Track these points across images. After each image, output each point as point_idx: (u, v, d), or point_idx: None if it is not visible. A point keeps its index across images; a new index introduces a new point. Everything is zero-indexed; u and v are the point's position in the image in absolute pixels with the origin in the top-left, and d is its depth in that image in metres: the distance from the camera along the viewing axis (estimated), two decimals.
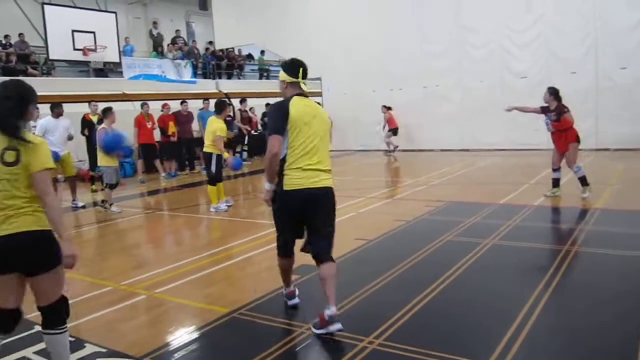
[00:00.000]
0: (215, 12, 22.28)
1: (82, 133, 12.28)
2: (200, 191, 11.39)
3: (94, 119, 12.19)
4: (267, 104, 17.01)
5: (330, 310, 3.71)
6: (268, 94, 19.01)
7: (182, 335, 3.98)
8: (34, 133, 9.89)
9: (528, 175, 10.88)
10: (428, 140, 17.63)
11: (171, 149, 14.59)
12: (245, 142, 17.06)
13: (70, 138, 10.24)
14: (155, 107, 14.35)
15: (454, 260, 5.40)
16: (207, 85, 19.19)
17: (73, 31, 15.43)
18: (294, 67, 3.99)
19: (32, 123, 10.87)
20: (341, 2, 19.07)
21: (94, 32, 15.92)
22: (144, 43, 22.71)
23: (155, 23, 21.84)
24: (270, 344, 3.71)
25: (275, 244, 4.14)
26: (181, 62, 19.00)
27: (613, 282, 4.72)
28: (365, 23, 18.29)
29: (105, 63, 16.89)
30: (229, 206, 9.04)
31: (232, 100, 17.12)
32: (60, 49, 15.33)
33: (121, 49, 17.45)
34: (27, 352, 3.74)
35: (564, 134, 8.21)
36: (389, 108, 16.95)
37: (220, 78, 20.67)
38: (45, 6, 15.25)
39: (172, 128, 14.30)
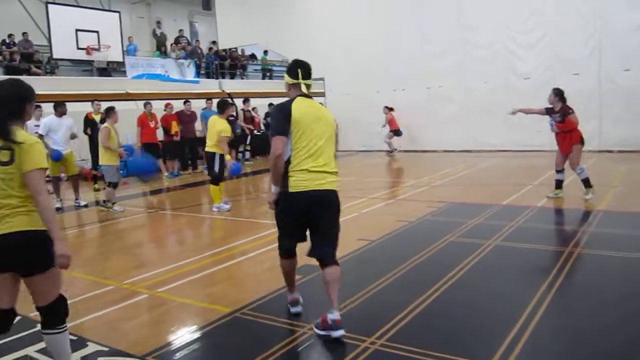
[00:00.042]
0: (218, 12, 22.30)
1: (85, 132, 12.29)
2: (203, 191, 11.38)
3: (97, 118, 12.20)
4: (270, 104, 16.99)
5: (334, 315, 3.69)
6: (271, 94, 18.99)
7: (184, 335, 3.98)
8: (36, 132, 10.03)
9: (531, 177, 10.86)
10: (430, 141, 17.62)
11: (174, 149, 14.60)
12: (248, 142, 17.07)
13: (73, 137, 10.26)
14: (158, 107, 14.36)
15: (456, 261, 5.40)
16: (210, 85, 19.20)
17: (77, 30, 15.45)
18: (293, 68, 3.97)
19: (35, 122, 10.92)
20: (344, 2, 19.09)
21: (97, 32, 15.94)
22: (147, 43, 22.73)
23: (158, 23, 21.85)
24: (272, 343, 3.71)
25: (276, 244, 4.12)
26: (184, 61, 19.01)
27: (616, 284, 4.71)
28: (369, 23, 18.30)
29: (108, 62, 16.91)
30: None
31: (235, 100, 17.13)
32: (63, 48, 15.36)
33: (124, 49, 17.46)
34: (29, 350, 3.74)
35: (568, 135, 8.19)
36: (391, 109, 16.95)
37: (223, 78, 20.67)
38: (49, 5, 15.27)
39: (175, 127, 14.31)
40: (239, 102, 17.11)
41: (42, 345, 3.78)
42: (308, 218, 3.81)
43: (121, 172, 9.42)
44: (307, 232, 3.95)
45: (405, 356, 3.45)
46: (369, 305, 4.38)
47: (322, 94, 19.38)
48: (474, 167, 13.34)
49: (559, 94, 8.26)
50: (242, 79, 22.27)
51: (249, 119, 17.08)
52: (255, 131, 17.35)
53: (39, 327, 4.08)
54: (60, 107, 10.05)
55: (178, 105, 14.94)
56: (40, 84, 14.17)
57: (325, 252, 3.82)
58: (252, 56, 24.08)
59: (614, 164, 12.62)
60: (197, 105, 15.61)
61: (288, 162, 3.77)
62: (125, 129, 13.67)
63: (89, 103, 12.79)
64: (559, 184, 8.53)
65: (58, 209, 9.71)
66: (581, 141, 8.22)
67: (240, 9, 21.46)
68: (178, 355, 3.66)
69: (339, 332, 3.68)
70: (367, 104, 18.08)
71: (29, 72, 15.57)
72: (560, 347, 3.54)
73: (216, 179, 8.84)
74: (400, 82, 18.05)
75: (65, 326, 3.18)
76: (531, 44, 15.68)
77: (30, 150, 2.92)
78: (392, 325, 3.91)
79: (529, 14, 15.60)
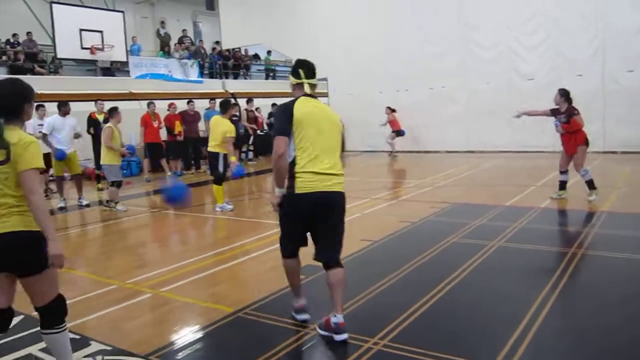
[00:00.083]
0: (222, 12, 22.36)
1: (88, 132, 12.32)
2: (206, 191, 11.38)
3: (100, 117, 12.23)
4: (273, 104, 17.03)
5: (337, 319, 3.68)
6: (274, 94, 19.03)
7: (187, 334, 3.98)
8: (40, 131, 10.06)
9: (534, 178, 10.85)
10: (434, 141, 17.62)
11: (177, 149, 14.62)
12: (251, 142, 17.09)
13: (78, 136, 10.28)
14: (161, 107, 14.38)
15: (459, 262, 5.39)
16: (214, 85, 19.21)
17: (81, 30, 15.49)
18: (296, 68, 3.94)
19: (38, 121, 10.95)
20: (348, 2, 19.10)
21: (101, 31, 15.98)
22: (151, 42, 22.77)
23: (162, 23, 21.89)
24: (275, 343, 3.71)
25: (276, 246, 4.09)
26: (188, 61, 19.03)
27: (620, 285, 4.69)
28: (372, 24, 18.30)
29: (112, 62, 16.93)
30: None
31: (238, 100, 17.14)
32: (67, 48, 15.39)
33: (128, 48, 17.50)
34: (33, 349, 3.75)
35: (573, 136, 8.16)
36: (393, 110, 16.94)
37: (226, 78, 20.68)
38: (53, 5, 15.31)
39: (178, 127, 14.33)
40: (242, 102, 17.12)
41: (44, 344, 3.80)
42: (314, 220, 3.74)
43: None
44: (309, 236, 3.90)
45: (408, 357, 3.44)
46: (372, 306, 4.37)
47: (326, 94, 19.39)
48: (477, 168, 13.32)
49: (564, 94, 8.22)
50: (246, 79, 22.27)
51: (252, 119, 17.10)
52: (258, 131, 17.36)
53: None
54: (64, 106, 10.09)
55: (181, 105, 14.96)
56: (44, 84, 14.30)
57: (330, 255, 3.77)
58: (256, 56, 24.09)
59: (618, 165, 12.59)
60: (201, 105, 15.62)
61: (293, 163, 3.70)
62: (129, 129, 13.69)
63: (93, 103, 12.82)
64: (562, 185, 8.51)
65: (61, 209, 9.75)
66: (586, 142, 8.19)
67: (243, 9, 21.51)
68: (181, 354, 3.66)
69: (343, 336, 3.67)
70: (370, 104, 18.10)
71: (33, 72, 15.61)
72: (564, 348, 3.54)
73: (219, 179, 8.85)
74: (403, 83, 18.05)
75: (65, 325, 3.16)
76: (534, 44, 15.67)
77: (26, 149, 2.90)
78: (395, 325, 3.90)
79: (532, 15, 15.59)
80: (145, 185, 12.85)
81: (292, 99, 3.87)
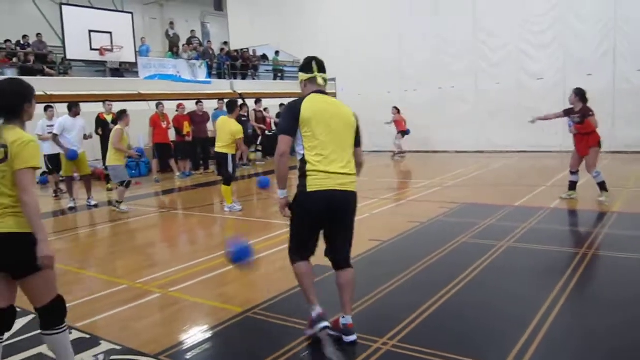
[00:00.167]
0: (230, 12, 22.40)
1: (96, 132, 12.38)
2: (215, 191, 11.41)
3: (109, 118, 12.29)
4: (281, 105, 17.03)
5: (346, 320, 3.67)
6: (282, 94, 19.05)
7: (196, 334, 3.99)
8: (50, 132, 10.12)
9: (544, 178, 10.79)
10: (442, 141, 17.57)
11: (186, 149, 14.66)
12: (259, 142, 17.12)
13: (88, 137, 10.34)
14: (170, 107, 14.43)
15: (468, 262, 5.37)
16: (222, 86, 19.26)
17: (90, 31, 15.59)
18: (308, 62, 3.79)
19: (47, 122, 11.02)
20: (356, 2, 19.07)
21: (110, 33, 16.07)
22: (159, 43, 22.88)
23: (171, 23, 21.98)
24: (283, 343, 3.71)
25: (285, 246, 4.02)
26: (196, 62, 19.09)
27: (631, 285, 4.66)
28: (380, 24, 18.28)
29: (121, 63, 17.03)
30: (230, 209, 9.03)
31: (246, 100, 17.17)
32: (77, 49, 15.50)
33: (137, 49, 17.59)
34: (43, 348, 3.76)
35: (586, 137, 8.06)
36: (399, 110, 16.89)
37: (235, 78, 20.73)
38: (63, 7, 15.42)
39: (186, 128, 14.37)
40: (250, 102, 17.15)
41: None
42: (325, 220, 3.63)
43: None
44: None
45: (417, 357, 3.43)
46: (380, 306, 4.37)
47: (334, 95, 19.38)
48: (487, 168, 13.28)
49: (579, 93, 8.11)
50: (254, 79, 22.32)
51: (261, 120, 17.13)
52: (266, 131, 17.39)
53: None
54: (74, 107, 10.14)
55: (190, 105, 15.01)
56: (53, 85, 14.43)
57: (341, 255, 3.74)
58: (264, 57, 24.14)
59: (628, 165, 12.51)
60: (209, 105, 15.66)
61: (304, 162, 3.60)
62: (138, 130, 13.75)
63: (102, 103, 12.89)
64: (572, 185, 8.46)
65: (71, 209, 9.80)
66: (599, 144, 8.10)
67: (251, 9, 21.54)
68: (190, 354, 3.67)
69: (352, 337, 3.66)
70: (378, 105, 18.05)
71: (42, 73, 15.72)
72: (574, 349, 3.52)
73: (228, 180, 8.87)
74: (412, 83, 18.02)
75: (65, 326, 3.13)
76: (544, 44, 15.60)
77: (24, 148, 2.89)
78: (404, 326, 3.89)
79: (542, 15, 15.52)
80: (154, 186, 12.90)
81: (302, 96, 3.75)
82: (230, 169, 8.74)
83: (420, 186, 10.97)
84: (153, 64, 18.03)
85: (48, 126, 10.96)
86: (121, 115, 9.45)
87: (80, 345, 3.81)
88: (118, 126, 9.30)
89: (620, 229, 6.68)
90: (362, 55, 18.61)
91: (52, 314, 3.07)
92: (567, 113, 8.25)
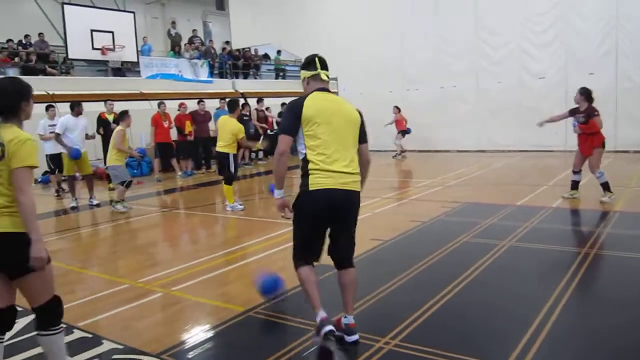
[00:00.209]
0: (232, 12, 22.39)
1: (98, 132, 12.39)
2: (216, 190, 11.42)
3: (110, 117, 12.30)
4: (283, 104, 17.03)
5: (348, 320, 3.67)
6: (284, 93, 19.04)
7: (198, 334, 3.99)
8: (52, 132, 10.13)
9: (545, 177, 10.78)
10: (444, 140, 17.56)
11: (188, 148, 14.67)
12: (261, 141, 17.09)
13: (91, 137, 10.35)
14: (172, 107, 14.43)
15: (470, 261, 5.36)
16: (224, 85, 19.26)
17: (92, 31, 15.59)
18: (310, 60, 3.74)
19: (49, 122, 11.04)
20: (358, 1, 19.07)
21: (112, 32, 16.07)
22: (161, 43, 22.88)
23: (173, 23, 21.99)
24: (286, 343, 3.71)
25: (290, 243, 4.03)
26: (198, 61, 19.10)
27: (633, 284, 4.65)
28: (383, 23, 18.26)
29: (123, 62, 17.02)
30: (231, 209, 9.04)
31: (248, 100, 17.17)
32: (79, 49, 15.50)
33: (139, 49, 17.59)
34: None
35: (590, 137, 8.01)
36: (400, 110, 16.86)
37: (236, 78, 20.73)
38: (65, 6, 15.41)
39: (188, 127, 14.38)
40: (252, 102, 17.14)
41: None
42: (327, 219, 3.59)
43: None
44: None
45: (419, 356, 3.43)
46: (382, 305, 4.36)
47: (336, 94, 19.36)
48: (488, 167, 13.27)
49: (584, 93, 8.05)
50: (256, 78, 22.32)
51: (263, 119, 17.13)
52: (268, 131, 17.39)
53: None
54: (77, 106, 10.15)
55: (192, 105, 15.01)
56: (55, 84, 14.44)
57: (344, 255, 3.71)
58: (265, 56, 24.13)
59: (630, 164, 12.49)
60: (211, 105, 15.67)
61: (306, 161, 3.54)
62: (139, 129, 13.78)
63: (103, 103, 12.90)
64: (574, 185, 8.43)
65: (73, 208, 9.81)
66: (603, 145, 8.06)
67: (253, 9, 21.53)
68: (192, 353, 3.67)
69: (354, 337, 3.66)
70: (381, 104, 18.02)
71: (44, 73, 15.74)
72: (577, 349, 3.51)
73: (230, 179, 8.87)
74: (414, 82, 18.01)
75: (61, 328, 3.12)
76: (545, 43, 15.58)
77: (21, 147, 2.87)
78: (406, 325, 3.89)
79: (544, 13, 15.50)
80: (156, 185, 12.91)
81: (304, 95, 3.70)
82: (232, 168, 8.75)
83: (422, 185, 10.97)
84: (155, 63, 18.04)
85: (50, 126, 10.98)
86: (123, 116, 9.45)
87: (82, 345, 3.82)
88: (120, 127, 9.29)
89: (623, 228, 6.67)
90: (363, 54, 18.60)
91: (49, 314, 3.06)
92: (573, 113, 8.20)
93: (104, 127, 12.27)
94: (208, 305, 4.66)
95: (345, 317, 3.68)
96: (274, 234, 7.07)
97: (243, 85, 20.06)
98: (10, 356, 3.63)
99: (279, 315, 4.23)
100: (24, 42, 17.36)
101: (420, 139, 17.29)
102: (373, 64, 18.49)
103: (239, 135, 8.63)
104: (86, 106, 11.13)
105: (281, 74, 23.32)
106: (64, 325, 3.25)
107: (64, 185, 11.43)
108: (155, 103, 14.46)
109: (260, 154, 17.46)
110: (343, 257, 3.72)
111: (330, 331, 3.40)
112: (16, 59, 16.13)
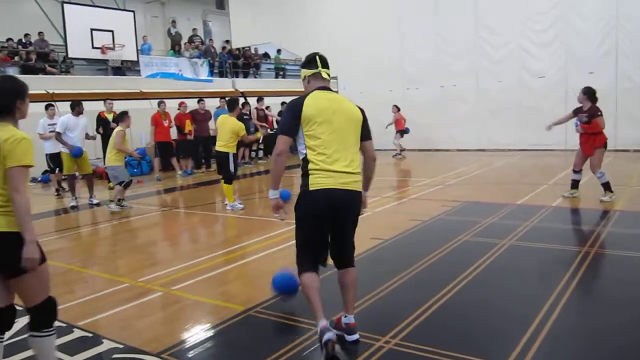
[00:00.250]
0: (231, 11, 22.39)
1: (97, 131, 12.39)
2: (216, 189, 11.42)
3: (109, 116, 12.30)
4: (283, 103, 17.03)
5: (348, 319, 3.66)
6: (284, 92, 19.03)
7: (198, 333, 3.99)
8: (52, 131, 10.13)
9: (546, 176, 10.78)
10: (444, 140, 17.56)
11: (188, 147, 14.66)
12: (261, 140, 17.11)
13: (90, 138, 10.35)
14: (172, 106, 14.42)
15: (470, 260, 5.36)
16: (224, 84, 19.26)
17: (92, 30, 15.57)
18: (311, 58, 3.70)
19: (49, 121, 11.03)
20: (358, 0, 19.04)
21: (112, 31, 16.06)
22: (161, 42, 22.89)
23: (173, 22, 21.99)
24: (285, 342, 3.71)
25: (290, 242, 4.03)
26: (198, 60, 19.09)
27: (634, 284, 4.65)
28: (382, 22, 18.25)
29: (123, 61, 17.01)
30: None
31: (248, 99, 17.16)
32: (79, 48, 15.48)
33: (139, 48, 17.58)
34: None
35: (592, 137, 7.98)
36: (399, 109, 16.85)
37: (236, 77, 20.73)
38: (64, 5, 15.40)
39: (188, 126, 14.38)
40: (252, 101, 17.14)
41: (60, 341, 3.81)
42: (329, 219, 3.52)
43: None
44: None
45: (420, 355, 3.43)
46: (382, 305, 4.36)
47: (336, 93, 19.33)
48: (488, 166, 13.26)
49: (587, 92, 8.03)
50: (256, 77, 22.32)
51: (263, 118, 17.12)
52: (268, 130, 17.38)
53: (57, 323, 4.11)
54: (78, 106, 10.14)
55: (192, 104, 15.00)
56: (55, 83, 14.43)
57: (343, 255, 3.68)
58: (265, 55, 24.13)
59: (630, 163, 12.49)
60: (211, 104, 15.67)
61: (306, 161, 3.50)
62: (139, 128, 13.78)
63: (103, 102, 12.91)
64: (575, 184, 8.43)
65: (73, 207, 9.81)
66: (604, 145, 8.04)
67: (253, 8, 21.53)
68: (192, 353, 3.67)
69: (354, 337, 3.66)
70: (381, 103, 18.01)
71: (44, 72, 15.74)
72: (577, 348, 3.51)
73: (230, 179, 8.86)
74: (414, 81, 18.00)
75: (53, 331, 3.10)
76: (545, 42, 15.57)
77: (17, 146, 2.85)
78: (406, 324, 3.89)
79: (544, 13, 15.49)
80: (156, 184, 12.90)
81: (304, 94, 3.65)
82: (232, 167, 8.74)
83: (422, 184, 10.96)
84: (155, 62, 18.03)
85: (49, 125, 10.98)
86: (122, 117, 9.42)
87: (82, 344, 3.82)
88: (119, 128, 9.25)
89: (623, 227, 6.67)
90: (363, 53, 18.60)
91: (41, 315, 3.03)
92: (576, 112, 8.18)
93: (104, 126, 12.27)
94: (208, 304, 4.66)
95: (346, 316, 3.68)
96: (274, 233, 7.06)
97: (243, 84, 20.05)
98: (10, 355, 3.62)
99: (279, 314, 4.23)
100: (23, 41, 17.36)
101: (420, 138, 17.29)
102: (373, 63, 18.48)
103: (241, 132, 8.64)
104: (86, 105, 11.11)
105: (281, 73, 23.32)
106: (57, 328, 3.22)
107: (64, 185, 11.43)
108: (155, 102, 14.46)
109: (261, 153, 17.45)
110: (344, 256, 3.70)
111: (329, 340, 3.30)
112: (16, 58, 16.12)
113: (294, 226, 3.65)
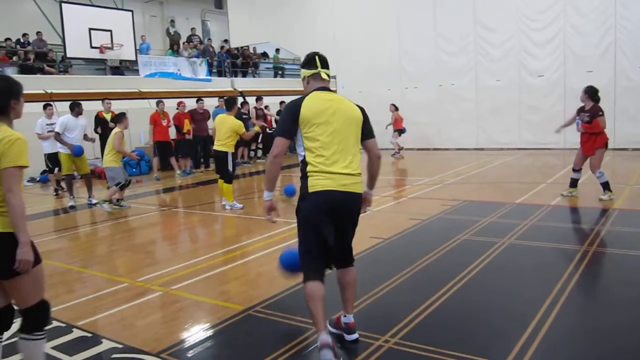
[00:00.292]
0: (230, 10, 22.40)
1: (95, 131, 12.38)
2: (215, 189, 11.39)
3: (108, 116, 12.28)
4: (282, 102, 17.03)
5: (348, 319, 3.66)
6: (283, 92, 19.04)
7: (197, 332, 3.99)
8: (50, 130, 10.11)
9: (544, 175, 10.79)
10: (443, 139, 17.57)
11: (186, 147, 14.66)
12: (260, 140, 17.12)
13: (88, 139, 10.34)
14: (170, 105, 14.42)
15: (469, 259, 5.37)
16: (222, 84, 19.26)
17: (90, 29, 15.58)
18: (310, 58, 3.65)
19: (47, 120, 11.02)
20: (357, 0, 19.03)
21: (110, 31, 16.07)
22: (160, 41, 22.89)
23: (172, 21, 22.00)
24: (285, 341, 3.71)
25: (291, 242, 4.02)
26: (196, 60, 19.08)
27: (633, 283, 4.64)
28: (381, 21, 18.25)
29: (121, 61, 17.01)
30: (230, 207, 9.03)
31: (247, 98, 17.16)
32: (77, 47, 15.49)
33: (137, 47, 17.59)
34: (45, 347, 3.75)
35: (593, 137, 7.97)
36: (397, 108, 16.84)
37: (235, 76, 20.73)
38: (63, 5, 15.39)
39: (187, 126, 14.37)
40: (251, 100, 17.14)
41: (58, 341, 3.83)
42: (329, 221, 3.46)
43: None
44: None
45: (419, 355, 3.43)
46: (381, 304, 4.36)
47: (334, 92, 19.34)
48: (487, 165, 13.27)
49: (589, 91, 8.02)
50: (254, 77, 22.32)
51: (261, 117, 17.12)
52: (267, 129, 17.38)
53: (55, 323, 4.12)
54: (77, 107, 10.12)
55: (190, 103, 15.00)
56: (53, 83, 14.41)
57: (344, 256, 3.67)
58: (264, 54, 24.13)
59: (630, 162, 12.50)
60: (210, 103, 15.66)
61: (305, 163, 3.46)
62: (138, 128, 13.78)
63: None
64: (574, 183, 8.43)
65: (72, 207, 9.80)
66: (605, 145, 8.03)
67: (251, 7, 21.54)
68: (191, 352, 3.67)
69: (353, 336, 3.66)
70: (380, 102, 18.00)
71: (42, 71, 15.73)
72: (576, 347, 3.51)
73: (229, 178, 8.86)
74: (413, 80, 18.00)
75: (43, 336, 3.07)
76: (545, 41, 15.58)
77: (11, 146, 2.82)
78: (405, 323, 3.89)
79: (543, 11, 15.50)
80: (155, 184, 12.90)
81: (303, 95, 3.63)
82: (230, 167, 8.73)
83: (421, 184, 10.96)
84: (153, 62, 18.02)
85: (47, 124, 10.96)
86: (120, 118, 9.42)
87: (82, 344, 3.82)
88: (117, 129, 9.24)
89: (622, 226, 6.67)
90: (362, 53, 18.61)
91: (33, 317, 3.00)
92: (579, 112, 8.18)
93: (102, 126, 12.25)
94: (207, 304, 4.65)
95: (345, 316, 3.68)
96: (273, 233, 7.05)
97: (242, 83, 20.05)
98: (9, 355, 3.62)
99: (278, 313, 4.23)
100: (22, 40, 17.33)
101: (419, 137, 17.30)
102: (372, 63, 18.50)
103: (240, 131, 8.65)
104: (84, 105, 11.09)
105: (280, 72, 23.32)
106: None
107: (63, 184, 11.42)
108: (153, 102, 14.45)
109: (260, 153, 17.44)
110: (343, 257, 3.69)
111: (327, 344, 3.23)
112: (14, 58, 16.09)
113: (294, 226, 3.65)
